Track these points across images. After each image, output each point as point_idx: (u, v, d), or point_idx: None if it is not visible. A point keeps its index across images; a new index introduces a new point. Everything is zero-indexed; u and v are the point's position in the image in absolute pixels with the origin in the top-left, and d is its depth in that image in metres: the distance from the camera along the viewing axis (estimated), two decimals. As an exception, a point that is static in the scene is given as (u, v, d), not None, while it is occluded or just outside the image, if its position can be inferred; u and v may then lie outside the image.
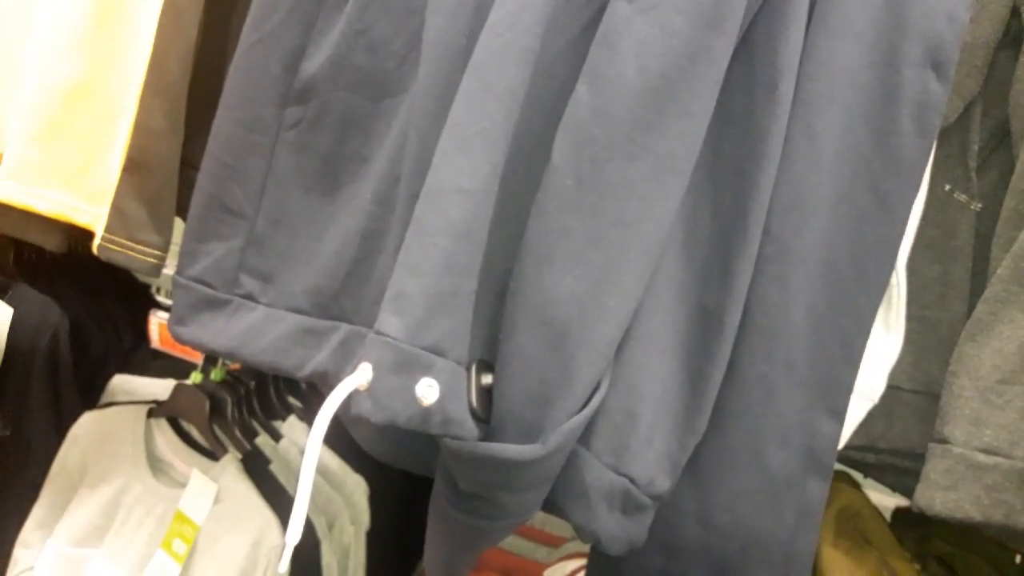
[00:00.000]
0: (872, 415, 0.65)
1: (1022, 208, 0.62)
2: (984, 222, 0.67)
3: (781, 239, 0.56)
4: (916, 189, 0.57)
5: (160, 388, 1.06)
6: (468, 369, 0.52)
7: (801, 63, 0.54)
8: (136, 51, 0.70)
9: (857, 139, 0.56)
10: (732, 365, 0.56)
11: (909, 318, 0.66)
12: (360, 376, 0.48)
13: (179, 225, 0.71)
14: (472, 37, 0.53)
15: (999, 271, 0.62)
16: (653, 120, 0.49)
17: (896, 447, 0.69)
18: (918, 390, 0.68)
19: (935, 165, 0.65)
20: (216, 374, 0.97)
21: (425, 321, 0.49)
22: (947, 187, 0.69)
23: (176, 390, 0.96)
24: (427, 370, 0.48)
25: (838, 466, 0.68)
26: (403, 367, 0.48)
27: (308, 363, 0.63)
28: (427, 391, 0.48)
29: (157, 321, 1.03)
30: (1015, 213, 0.63)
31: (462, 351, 0.51)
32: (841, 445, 0.60)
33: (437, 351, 0.49)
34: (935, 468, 0.61)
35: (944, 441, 0.61)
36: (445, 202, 0.49)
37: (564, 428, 0.50)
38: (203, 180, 0.67)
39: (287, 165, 0.66)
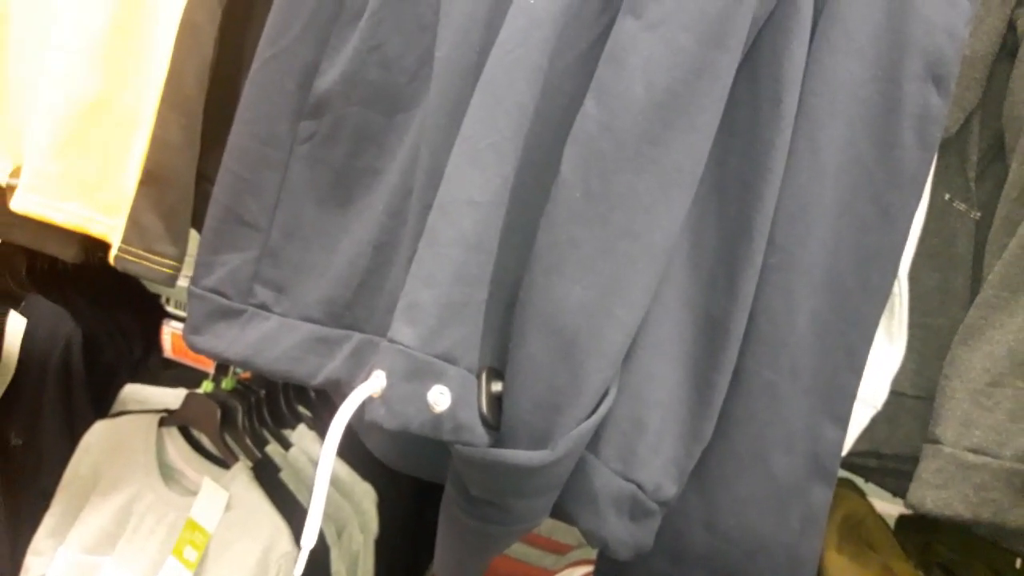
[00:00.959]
0: (876, 421, 0.66)
1: (1013, 216, 0.64)
2: (983, 231, 0.68)
3: (785, 249, 0.57)
4: (917, 200, 0.58)
5: (171, 397, 1.07)
6: (479, 377, 0.52)
7: (804, 78, 0.55)
8: (153, 66, 0.71)
9: (859, 152, 0.57)
10: (737, 373, 0.57)
11: (911, 325, 0.67)
12: (374, 383, 0.49)
13: (194, 237, 0.72)
14: (483, 53, 0.53)
15: (990, 277, 0.63)
16: (660, 134, 0.50)
17: (899, 452, 0.70)
18: (921, 396, 0.69)
19: (935, 175, 0.66)
20: (227, 383, 0.98)
21: (437, 330, 0.49)
22: (947, 196, 0.70)
23: (187, 399, 0.97)
24: (439, 378, 0.49)
25: (842, 473, 0.69)
26: (416, 375, 0.49)
27: (321, 371, 0.64)
28: (439, 398, 0.49)
29: (170, 331, 1.04)
30: (1006, 221, 0.64)
31: (473, 359, 0.51)
32: (845, 451, 0.61)
33: (449, 359, 0.50)
34: (927, 467, 0.62)
35: (936, 441, 0.62)
36: (457, 214, 0.50)
37: (573, 435, 0.50)
38: (218, 193, 0.68)
39: (301, 178, 0.66)
